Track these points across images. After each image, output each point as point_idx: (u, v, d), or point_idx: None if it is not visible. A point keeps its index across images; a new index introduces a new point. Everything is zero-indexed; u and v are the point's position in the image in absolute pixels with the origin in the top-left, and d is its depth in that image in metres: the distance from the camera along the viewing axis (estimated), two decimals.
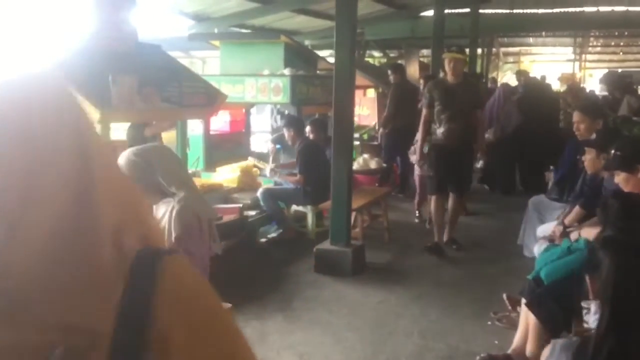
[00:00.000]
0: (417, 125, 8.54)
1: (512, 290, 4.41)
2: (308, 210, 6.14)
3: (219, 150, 7.92)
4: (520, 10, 14.16)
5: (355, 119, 10.46)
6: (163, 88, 4.30)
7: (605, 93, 13.78)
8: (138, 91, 4.04)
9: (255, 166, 6.78)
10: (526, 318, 3.11)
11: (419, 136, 5.94)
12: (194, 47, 15.04)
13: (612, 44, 21.35)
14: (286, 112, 7.79)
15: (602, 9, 13.46)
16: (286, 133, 6.35)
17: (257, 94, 7.17)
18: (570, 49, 22.70)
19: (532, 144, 8.03)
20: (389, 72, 8.70)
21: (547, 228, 4.62)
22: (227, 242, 4.98)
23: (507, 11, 14.10)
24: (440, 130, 5.56)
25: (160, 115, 4.63)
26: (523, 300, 3.16)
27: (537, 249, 4.24)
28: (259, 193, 6.02)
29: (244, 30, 9.39)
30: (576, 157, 5.09)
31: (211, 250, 2.94)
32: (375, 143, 9.98)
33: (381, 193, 6.27)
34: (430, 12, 13.49)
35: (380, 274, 5.12)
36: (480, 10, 12.17)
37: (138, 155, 2.73)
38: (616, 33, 19.25)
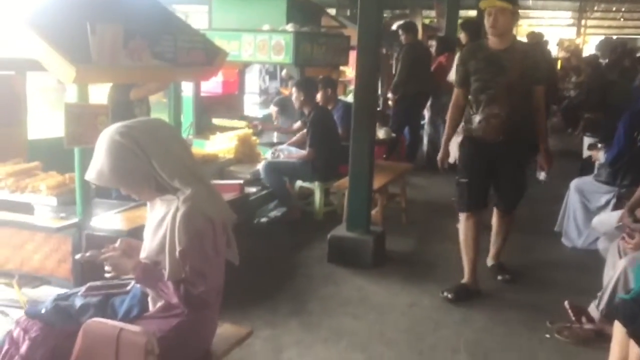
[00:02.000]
0: (430, 91, 7.95)
1: (560, 291, 3.78)
2: (316, 187, 5.40)
3: (211, 114, 7.14)
4: None
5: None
6: (154, 41, 3.48)
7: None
8: (123, 44, 3.22)
9: (254, 133, 5.97)
10: (625, 347, 2.45)
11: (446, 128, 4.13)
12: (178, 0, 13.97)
13: (614, 9, 20.58)
14: (289, 76, 6.99)
15: None
16: (295, 95, 5.55)
17: (255, 52, 6.33)
18: (570, 14, 21.98)
19: None
20: (400, 31, 7.87)
21: (606, 219, 3.95)
22: None
23: None
24: (477, 118, 3.77)
25: (150, 74, 3.81)
26: (618, 325, 2.50)
27: (602, 246, 3.56)
28: (260, 166, 5.26)
29: None
30: (634, 133, 4.42)
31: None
32: (382, 109, 9.24)
33: (403, 169, 5.52)
34: None
35: (404, 266, 4.42)
36: None
37: (125, 135, 1.97)
38: None
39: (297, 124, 6.02)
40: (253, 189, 5.12)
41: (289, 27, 6.23)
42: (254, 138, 5.84)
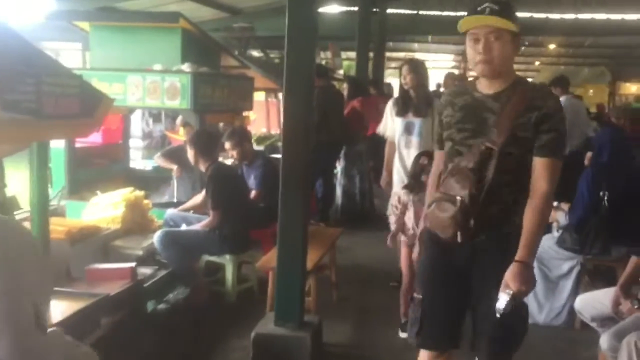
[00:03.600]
0: (344, 139, 7.28)
1: None
2: (226, 262, 4.39)
3: (88, 171, 5.93)
4: (424, 12, 13.26)
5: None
6: (7, 87, 2.40)
7: None
8: None
9: (146, 195, 4.87)
10: None
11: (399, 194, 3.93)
12: (46, 37, 12.37)
13: None
14: (184, 122, 5.97)
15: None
16: (189, 152, 4.54)
17: (144, 97, 5.26)
18: (452, 57, 22.61)
19: None
20: None
21: (591, 301, 3.28)
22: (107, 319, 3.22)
23: (407, 12, 13.16)
24: (429, 200, 2.41)
25: (1, 134, 2.69)
26: None
27: (607, 344, 2.87)
28: (155, 238, 4.18)
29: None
30: (599, 192, 3.87)
31: None
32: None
33: (335, 235, 4.63)
34: (332, 8, 12.20)
35: None
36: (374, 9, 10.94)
37: None
38: None
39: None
40: (148, 270, 4.02)
41: (186, 67, 5.25)
42: (146, 201, 4.74)
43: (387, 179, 4.57)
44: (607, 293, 3.15)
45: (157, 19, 5.42)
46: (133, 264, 3.66)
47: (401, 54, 22.39)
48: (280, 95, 11.38)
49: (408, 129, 4.36)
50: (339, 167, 7.16)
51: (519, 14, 2.28)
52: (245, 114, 6.43)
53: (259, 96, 10.26)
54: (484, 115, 2.26)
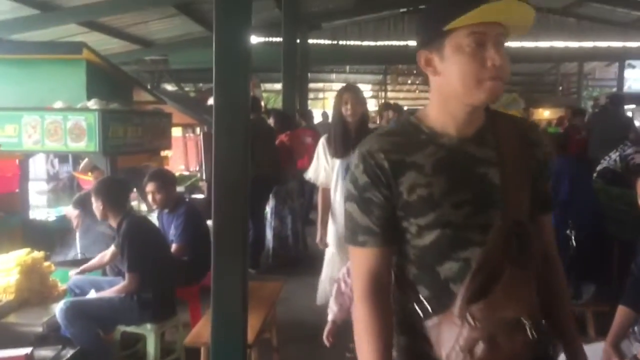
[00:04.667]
0: (275, 177, 6.69)
1: None
2: (147, 332, 3.69)
3: None
4: (343, 42, 13.10)
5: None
6: None
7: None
8: None
9: (47, 256, 4.11)
10: None
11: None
12: None
13: (409, 82, 21.68)
14: (90, 166, 5.23)
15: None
16: (94, 204, 3.82)
17: (43, 139, 4.56)
18: (370, 87, 22.74)
19: None
20: None
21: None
22: None
23: (327, 42, 12.96)
24: (454, 344, 1.33)
25: None
26: None
27: None
28: (58, 312, 3.44)
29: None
30: (565, 229, 3.54)
31: None
32: (202, 197, 7.75)
33: (275, 290, 4.01)
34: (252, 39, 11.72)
35: None
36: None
37: None
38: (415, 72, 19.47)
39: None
40: (49, 352, 3.29)
41: (92, 104, 4.59)
42: (46, 263, 3.98)
43: (323, 236, 3.75)
44: (599, 348, 2.75)
45: (58, 51, 4.73)
46: (28, 350, 2.94)
47: (320, 84, 22.32)
48: (197, 130, 10.74)
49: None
50: (269, 207, 6.60)
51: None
52: (163, 153, 5.77)
53: (175, 132, 9.59)
54: (480, 172, 1.41)
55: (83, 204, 5.04)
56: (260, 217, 6.46)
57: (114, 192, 3.73)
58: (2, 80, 4.82)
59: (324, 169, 3.75)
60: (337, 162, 3.64)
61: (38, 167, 12.05)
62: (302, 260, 6.54)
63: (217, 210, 2.97)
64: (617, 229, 3.62)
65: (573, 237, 3.49)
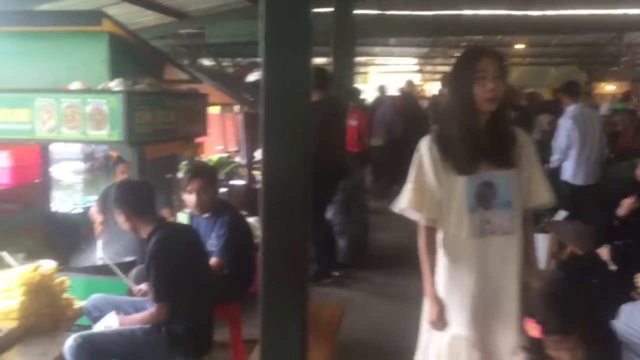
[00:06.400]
0: (345, 167, 5.72)
1: None
2: None
3: None
4: (390, 12, 12.09)
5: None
6: None
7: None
8: None
9: (60, 269, 3.44)
10: None
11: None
12: None
13: (457, 54, 20.48)
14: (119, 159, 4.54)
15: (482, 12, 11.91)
16: (119, 219, 3.12)
17: (59, 126, 3.87)
18: (415, 60, 21.65)
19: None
20: None
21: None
22: None
23: (373, 12, 11.98)
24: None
25: None
26: None
27: None
28: (67, 350, 2.75)
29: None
30: None
31: None
32: (242, 183, 7.08)
33: (337, 319, 3.25)
34: None
35: None
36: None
37: None
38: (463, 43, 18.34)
39: None
40: None
41: (116, 85, 3.87)
42: (58, 279, 3.30)
43: (439, 311, 2.34)
44: None
45: (72, 21, 3.98)
46: None
47: (362, 59, 21.31)
48: (236, 108, 10.03)
49: (483, 197, 2.28)
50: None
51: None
52: (198, 140, 5.05)
53: (212, 109, 8.90)
54: None
55: (108, 204, 4.34)
56: (324, 218, 5.61)
57: (137, 199, 3.02)
58: (11, 57, 4.14)
59: (431, 195, 2.34)
60: (461, 181, 2.29)
61: (73, 145, 11.56)
62: (368, 257, 5.95)
63: (267, 225, 2.25)
64: None
65: None
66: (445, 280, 2.35)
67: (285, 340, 2.33)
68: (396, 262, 5.72)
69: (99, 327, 2.97)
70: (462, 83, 2.23)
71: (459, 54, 2.40)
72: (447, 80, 2.48)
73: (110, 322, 2.97)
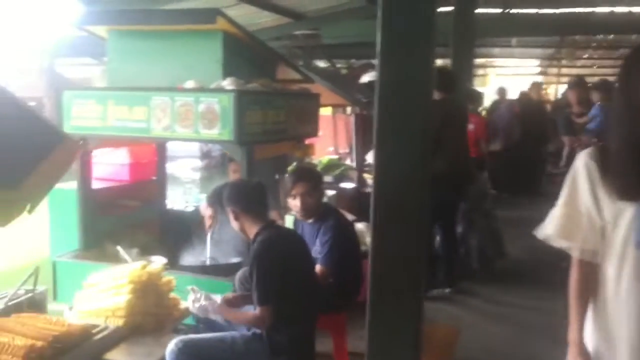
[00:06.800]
0: (471, 171, 5.41)
1: None
2: None
3: (110, 218, 4.63)
4: (515, 11, 11.44)
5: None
6: None
7: None
8: None
9: (166, 268, 3.43)
10: None
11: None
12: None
13: (585, 55, 19.14)
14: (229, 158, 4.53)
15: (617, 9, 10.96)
16: (230, 217, 3.04)
17: (173, 124, 3.89)
18: (537, 62, 20.55)
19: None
20: None
21: None
22: None
23: (497, 11, 11.40)
24: None
25: None
26: None
27: None
28: (168, 354, 2.70)
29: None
30: None
31: None
32: (352, 186, 6.90)
33: (453, 339, 3.00)
34: None
35: None
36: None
37: None
38: (594, 43, 17.10)
39: None
40: None
41: (228, 84, 3.83)
42: (165, 278, 3.28)
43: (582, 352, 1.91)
44: None
45: (187, 20, 4.00)
46: None
47: (481, 60, 20.52)
48: (348, 109, 9.88)
49: None
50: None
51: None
52: (308, 141, 4.94)
53: (324, 111, 8.82)
54: None
55: (219, 201, 4.33)
56: (452, 226, 5.33)
57: (248, 199, 2.93)
58: (132, 55, 4.23)
59: (589, 221, 1.88)
60: (629, 209, 1.79)
61: (191, 143, 11.97)
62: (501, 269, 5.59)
63: (378, 230, 2.07)
64: None
65: None
66: (596, 329, 1.92)
67: (394, 358, 2.13)
68: (518, 280, 5.32)
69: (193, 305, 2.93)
70: (634, 86, 1.75)
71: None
72: (616, 83, 1.98)
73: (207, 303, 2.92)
